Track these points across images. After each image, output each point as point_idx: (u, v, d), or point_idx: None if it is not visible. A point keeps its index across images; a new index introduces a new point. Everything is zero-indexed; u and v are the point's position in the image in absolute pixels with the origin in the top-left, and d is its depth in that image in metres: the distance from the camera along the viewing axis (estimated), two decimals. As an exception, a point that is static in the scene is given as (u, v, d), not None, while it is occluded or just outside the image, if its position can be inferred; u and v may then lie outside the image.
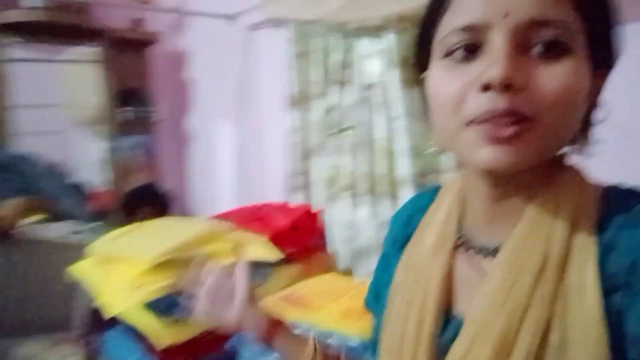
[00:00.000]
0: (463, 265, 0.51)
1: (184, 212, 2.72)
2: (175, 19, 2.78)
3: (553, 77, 0.40)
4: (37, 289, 1.72)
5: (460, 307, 0.51)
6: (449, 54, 0.44)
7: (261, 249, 1.37)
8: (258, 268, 1.41)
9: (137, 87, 2.61)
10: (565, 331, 0.41)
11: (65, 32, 2.35)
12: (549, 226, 0.45)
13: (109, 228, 1.62)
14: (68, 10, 2.33)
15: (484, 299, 0.45)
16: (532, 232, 0.45)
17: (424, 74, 0.50)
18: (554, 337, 0.42)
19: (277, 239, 1.51)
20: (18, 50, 2.37)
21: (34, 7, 2.24)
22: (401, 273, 0.56)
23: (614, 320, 0.40)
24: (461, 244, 0.52)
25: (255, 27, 2.17)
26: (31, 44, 2.40)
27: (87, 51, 2.49)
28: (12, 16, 2.19)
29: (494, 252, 0.49)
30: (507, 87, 0.40)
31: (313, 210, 1.71)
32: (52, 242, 1.83)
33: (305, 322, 1.04)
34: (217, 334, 1.22)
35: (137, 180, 2.61)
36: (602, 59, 0.45)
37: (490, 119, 0.40)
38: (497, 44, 0.41)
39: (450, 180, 0.59)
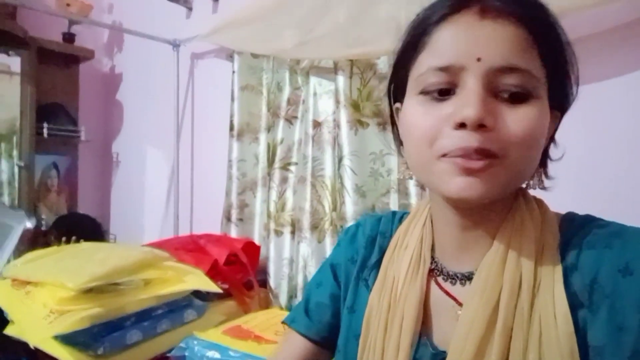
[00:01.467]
0: (436, 290, 0.53)
1: (105, 239, 2.52)
2: (111, 38, 2.67)
3: (518, 120, 0.44)
4: None
5: (436, 334, 0.52)
6: (424, 92, 0.47)
7: (202, 280, 1.29)
8: (194, 300, 1.33)
9: (61, 103, 2.43)
10: (541, 351, 0.44)
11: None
12: (517, 254, 0.48)
13: (23, 250, 1.45)
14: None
15: (464, 330, 0.47)
16: (503, 260, 0.48)
17: (398, 104, 0.54)
18: (532, 358, 0.44)
19: (215, 272, 1.44)
20: None
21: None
22: (376, 298, 0.56)
23: (581, 335, 0.44)
24: (434, 269, 0.54)
25: (200, 55, 2.14)
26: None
27: (10, 60, 2.30)
28: None
29: (465, 279, 0.51)
30: (479, 126, 0.43)
31: (253, 244, 1.66)
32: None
33: (254, 354, 0.98)
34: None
35: (51, 206, 2.38)
36: (559, 102, 0.50)
37: (462, 154, 0.44)
38: (470, 85, 0.44)
39: (418, 207, 0.61)
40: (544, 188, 0.53)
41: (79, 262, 1.20)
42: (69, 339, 1.08)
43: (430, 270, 0.54)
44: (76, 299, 1.09)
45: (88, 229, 2.12)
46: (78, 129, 2.47)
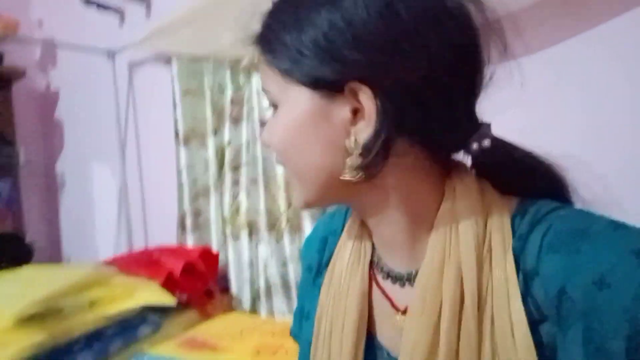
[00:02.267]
0: (376, 288, 0.50)
1: (57, 262, 2.40)
2: (44, 54, 2.55)
3: None
4: None
5: (380, 333, 0.50)
6: None
7: (154, 294, 1.23)
8: (149, 315, 1.27)
9: (-3, 126, 2.30)
10: None
11: None
12: (455, 259, 0.42)
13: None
14: None
15: (410, 343, 0.43)
16: (440, 269, 0.43)
17: None
18: None
19: (170, 284, 1.38)
20: None
21: None
22: (324, 295, 0.54)
23: (545, 352, 0.39)
24: (375, 264, 0.51)
25: (137, 63, 2.06)
26: None
27: None
28: None
29: (403, 279, 0.48)
30: None
31: (210, 251, 1.60)
32: None
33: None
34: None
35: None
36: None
37: None
38: None
39: None
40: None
41: (17, 288, 1.12)
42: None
43: (374, 265, 0.51)
44: (16, 328, 1.02)
45: (20, 249, 2.04)
46: (16, 151, 2.34)
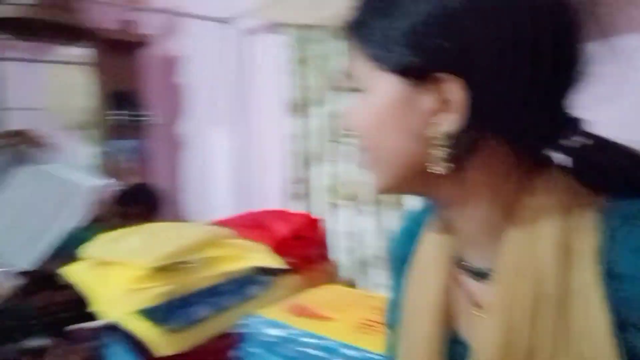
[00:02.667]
0: (457, 282, 0.50)
1: (177, 218, 2.64)
2: (168, 22, 2.72)
3: None
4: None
5: (460, 327, 0.50)
6: None
7: (265, 256, 1.31)
8: (259, 277, 1.35)
9: (129, 90, 2.53)
10: None
11: (54, 31, 2.27)
12: (532, 259, 0.41)
13: (100, 231, 1.54)
14: (57, 8, 2.25)
15: (487, 338, 0.43)
16: (517, 268, 0.42)
17: None
18: None
19: (279, 248, 1.45)
20: (6, 49, 2.29)
21: (22, 3, 2.17)
22: (408, 289, 0.55)
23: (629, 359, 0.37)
24: (457, 259, 0.51)
25: (252, 31, 2.13)
26: (19, 42, 2.31)
27: (77, 52, 2.41)
28: (5, 11, 2.11)
29: (482, 275, 0.47)
30: None
31: (315, 219, 1.66)
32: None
33: (317, 333, 0.98)
34: (219, 344, 1.15)
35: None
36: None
37: None
38: None
39: None
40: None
41: (149, 241, 1.25)
42: (143, 314, 1.14)
43: (454, 259, 0.51)
44: (151, 276, 1.14)
45: (151, 198, 2.25)
46: (146, 113, 2.57)
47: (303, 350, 0.98)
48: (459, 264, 0.50)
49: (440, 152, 0.42)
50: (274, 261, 1.28)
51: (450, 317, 0.50)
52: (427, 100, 0.41)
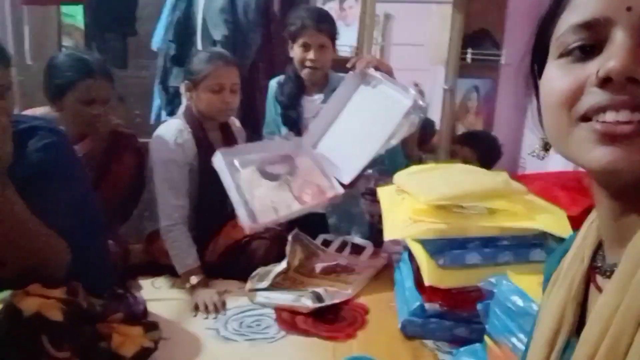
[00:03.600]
0: (596, 288, 0.48)
1: (513, 165, 2.60)
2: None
3: None
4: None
5: None
6: (564, 54, 0.42)
7: (554, 222, 1.19)
8: (547, 241, 1.24)
9: (486, 28, 2.53)
10: None
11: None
12: None
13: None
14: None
15: (594, 321, 0.42)
16: (635, 264, 0.39)
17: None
18: None
19: (581, 216, 1.27)
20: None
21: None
22: (544, 299, 0.56)
23: None
24: (598, 267, 0.48)
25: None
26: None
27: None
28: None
29: (612, 272, 0.44)
30: (628, 79, 0.36)
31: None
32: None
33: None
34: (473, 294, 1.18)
35: (469, 126, 2.62)
36: None
37: (606, 113, 0.37)
38: (618, 39, 0.38)
39: None
40: None
41: (440, 180, 1.33)
42: (421, 244, 1.27)
43: (594, 269, 0.48)
44: (427, 212, 1.24)
45: (486, 146, 2.26)
46: (500, 53, 2.53)
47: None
48: (599, 268, 0.47)
49: None
50: (560, 229, 1.15)
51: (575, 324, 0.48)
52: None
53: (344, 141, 1.71)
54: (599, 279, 0.47)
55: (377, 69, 1.68)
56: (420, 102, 1.58)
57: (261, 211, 1.50)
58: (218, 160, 1.51)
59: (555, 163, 2.16)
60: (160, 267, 1.61)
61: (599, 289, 0.46)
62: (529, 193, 1.29)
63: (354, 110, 1.72)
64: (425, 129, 2.40)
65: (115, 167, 1.56)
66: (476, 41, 2.51)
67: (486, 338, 1.08)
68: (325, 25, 1.76)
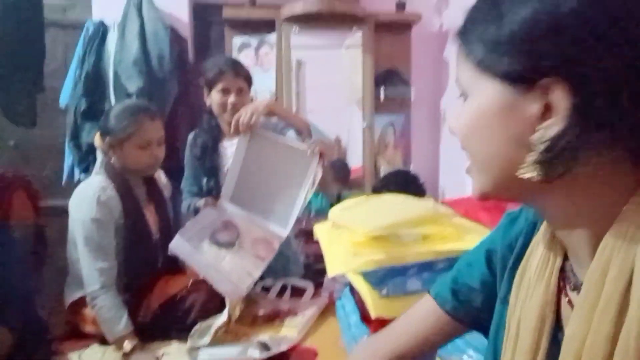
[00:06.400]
0: (565, 296, 0.50)
1: (433, 193, 2.74)
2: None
3: None
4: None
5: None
6: None
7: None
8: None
9: (394, 68, 2.71)
10: None
11: (337, 20, 2.61)
12: (619, 273, 0.41)
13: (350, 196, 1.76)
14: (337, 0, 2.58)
15: (569, 336, 0.44)
16: (606, 263, 0.42)
17: None
18: None
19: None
20: (299, 37, 2.75)
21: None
22: (514, 291, 0.55)
23: None
24: (566, 272, 0.50)
25: None
26: (309, 31, 2.74)
27: (357, 36, 2.71)
28: (297, 8, 2.56)
29: (578, 288, 0.47)
30: None
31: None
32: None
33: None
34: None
35: (389, 160, 2.74)
36: None
37: None
38: None
39: None
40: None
41: (374, 211, 1.37)
42: (362, 276, 1.28)
43: (564, 272, 0.50)
44: (365, 243, 1.26)
45: (405, 185, 2.36)
46: (409, 90, 2.71)
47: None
48: (567, 278, 0.49)
49: (537, 157, 0.41)
50: (490, 247, 1.22)
51: (553, 329, 0.49)
52: (529, 105, 0.41)
53: (260, 192, 1.74)
54: (569, 290, 0.49)
55: (271, 114, 1.73)
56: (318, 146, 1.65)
57: (240, 281, 1.50)
58: (180, 245, 1.49)
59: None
60: (86, 336, 1.48)
61: (570, 303, 0.48)
62: (456, 215, 1.36)
63: (258, 163, 1.75)
64: (341, 168, 2.47)
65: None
66: (387, 80, 2.67)
67: (438, 360, 1.10)
68: (242, 70, 1.79)
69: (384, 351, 0.69)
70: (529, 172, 0.42)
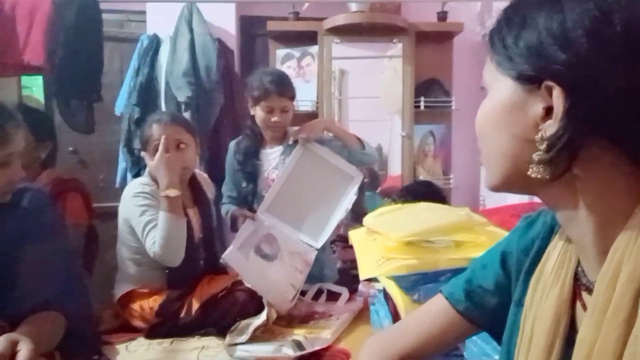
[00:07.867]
0: (579, 298, 0.51)
1: (473, 202, 2.72)
2: (482, 9, 2.74)
3: None
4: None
5: None
6: None
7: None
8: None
9: (436, 77, 2.72)
10: None
11: (378, 31, 2.65)
12: (632, 274, 0.42)
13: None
14: (385, 10, 2.62)
15: (581, 340, 0.45)
16: (617, 268, 0.43)
17: None
18: None
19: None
20: (341, 48, 2.81)
21: (358, 10, 2.62)
22: (530, 293, 0.56)
23: None
24: (580, 274, 0.52)
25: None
26: (351, 42, 2.80)
27: (398, 47, 2.74)
28: (339, 20, 2.62)
29: (590, 290, 0.48)
30: None
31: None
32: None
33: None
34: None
35: (428, 169, 2.74)
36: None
37: None
38: None
39: None
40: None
41: (408, 218, 1.40)
42: (394, 281, 1.30)
43: (577, 280, 0.52)
44: (398, 249, 1.29)
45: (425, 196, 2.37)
46: (450, 99, 2.71)
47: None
48: (577, 277, 0.51)
49: (541, 156, 0.45)
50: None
51: (568, 331, 0.51)
52: (534, 105, 0.46)
53: (297, 205, 1.82)
54: (582, 291, 0.51)
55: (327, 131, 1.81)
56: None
57: (286, 292, 1.61)
58: (234, 256, 1.61)
59: (513, 197, 2.29)
60: (134, 329, 1.57)
61: (584, 306, 0.50)
62: (490, 224, 1.36)
63: (303, 178, 1.82)
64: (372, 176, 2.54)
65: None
66: (427, 90, 2.68)
67: (466, 366, 1.11)
68: (287, 90, 1.84)
69: (394, 349, 0.69)
70: (534, 171, 0.45)
